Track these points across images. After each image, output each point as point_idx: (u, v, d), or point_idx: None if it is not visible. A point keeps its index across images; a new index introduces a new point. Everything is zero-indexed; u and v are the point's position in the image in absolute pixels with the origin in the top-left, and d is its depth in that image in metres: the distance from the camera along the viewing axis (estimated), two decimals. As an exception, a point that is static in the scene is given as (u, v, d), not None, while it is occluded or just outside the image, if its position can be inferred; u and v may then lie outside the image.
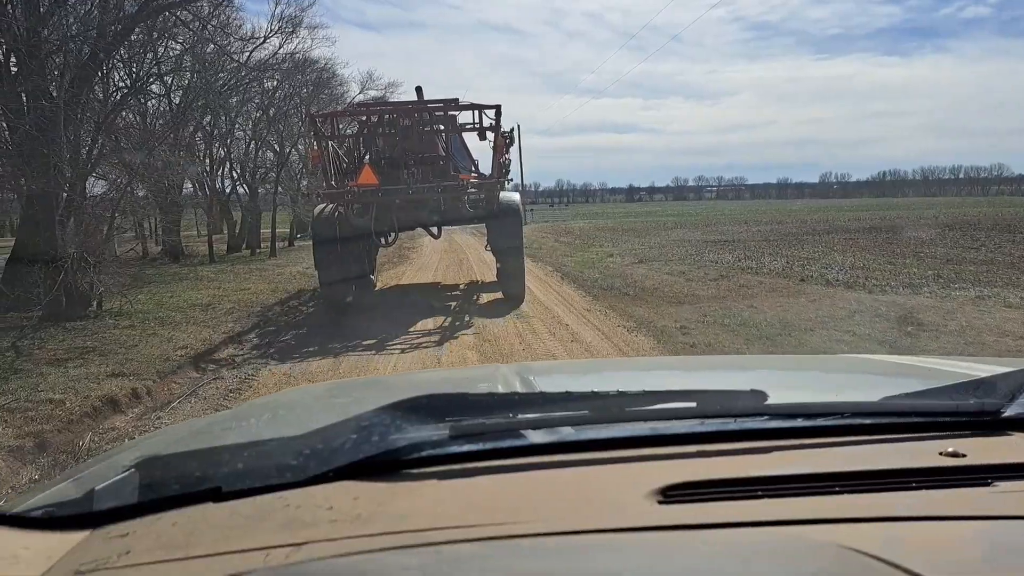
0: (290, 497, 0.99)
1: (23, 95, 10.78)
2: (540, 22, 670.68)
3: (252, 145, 29.44)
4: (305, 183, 40.47)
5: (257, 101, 29.27)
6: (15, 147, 11.01)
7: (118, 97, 17.67)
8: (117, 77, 18.70)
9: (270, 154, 31.15)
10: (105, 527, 0.97)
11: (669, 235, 36.20)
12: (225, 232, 32.35)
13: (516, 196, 13.43)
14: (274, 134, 28.98)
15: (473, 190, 12.31)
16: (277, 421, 1.61)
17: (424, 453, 1.08)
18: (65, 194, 12.66)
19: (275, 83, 28.42)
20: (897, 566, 0.74)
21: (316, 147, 11.94)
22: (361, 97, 44.78)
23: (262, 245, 34.00)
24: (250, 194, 30.11)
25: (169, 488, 1.03)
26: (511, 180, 15.12)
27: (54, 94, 12.23)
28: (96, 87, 15.18)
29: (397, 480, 1.05)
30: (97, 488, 1.06)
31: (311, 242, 12.94)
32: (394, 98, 40.96)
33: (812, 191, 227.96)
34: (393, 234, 12.73)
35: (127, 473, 1.08)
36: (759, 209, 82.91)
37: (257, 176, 30.33)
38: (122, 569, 0.84)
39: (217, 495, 1.01)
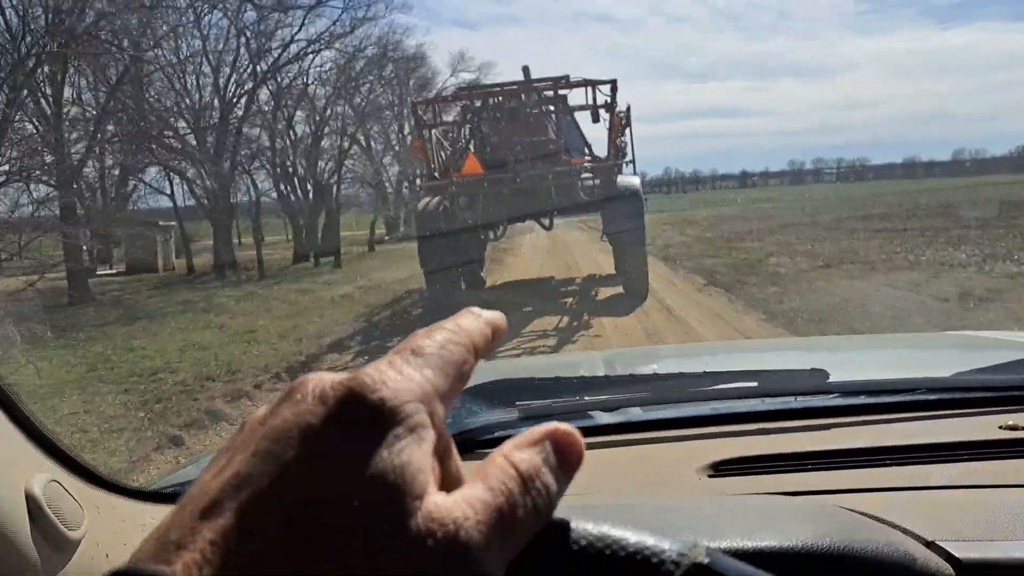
0: None
1: None
2: (641, 7, 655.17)
3: (316, 132, 24.59)
4: (395, 174, 35.75)
5: (324, 77, 24.60)
6: None
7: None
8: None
9: (349, 146, 26.33)
10: None
11: (814, 222, 29.93)
12: (291, 239, 27.85)
13: (636, 180, 12.13)
14: (339, 118, 24.09)
15: (587, 175, 11.55)
16: None
17: (496, 434, 1.14)
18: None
19: (342, 53, 23.60)
20: (901, 527, 0.75)
21: (418, 137, 11.44)
22: (453, 80, 40.30)
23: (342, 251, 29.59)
24: (314, 192, 25.27)
25: None
26: (630, 162, 12.98)
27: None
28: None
29: (469, 459, 0.94)
30: None
31: (416, 240, 12.07)
32: (489, 80, 36.65)
33: (942, 169, 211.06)
34: (502, 227, 12.07)
35: None
36: (895, 190, 73.90)
37: (327, 171, 25.48)
38: None
39: None
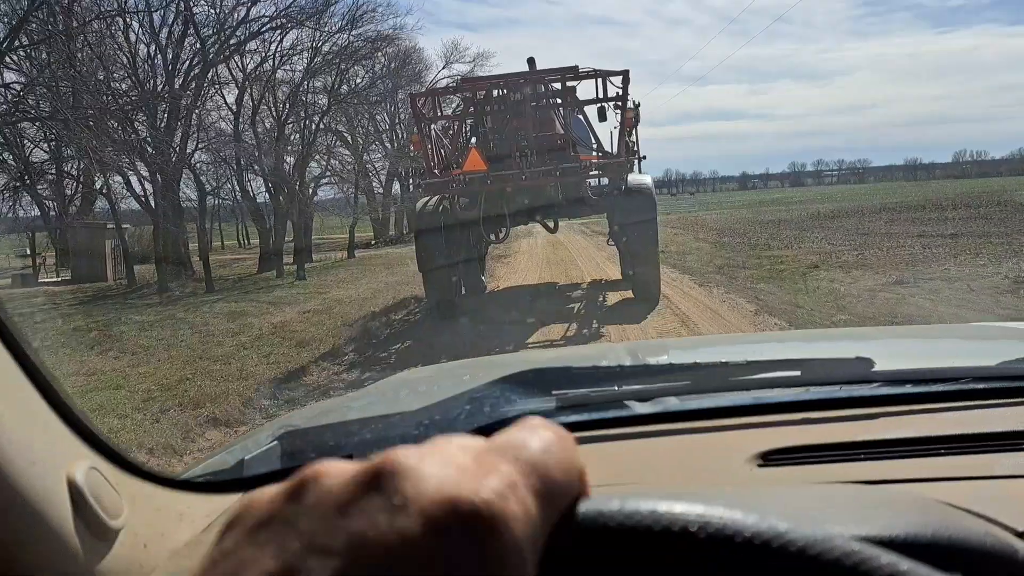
0: None
1: None
2: (641, 11, 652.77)
3: (281, 120, 21.38)
4: (383, 170, 32.91)
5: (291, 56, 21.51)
6: None
7: None
8: None
9: (314, 137, 23.14)
10: (253, 490, 0.91)
11: (842, 225, 27.03)
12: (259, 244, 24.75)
13: (647, 178, 11.68)
14: (305, 107, 20.93)
15: (596, 172, 10.99)
16: (406, 395, 1.66)
17: None
18: None
19: (310, 30, 20.50)
20: (985, 517, 0.73)
21: (416, 132, 10.79)
22: (446, 73, 37.69)
23: (314, 258, 26.43)
24: (283, 191, 22.09)
25: (307, 456, 1.10)
26: (644, 158, 12.43)
27: None
28: None
29: None
30: (247, 457, 1.13)
31: (407, 243, 10.63)
32: (486, 72, 34.33)
33: (943, 171, 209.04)
34: (504, 228, 11.29)
35: (272, 444, 1.15)
36: (901, 191, 70.73)
37: (297, 167, 22.32)
38: None
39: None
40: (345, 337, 9.22)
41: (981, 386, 1.16)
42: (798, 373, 1.24)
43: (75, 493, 0.73)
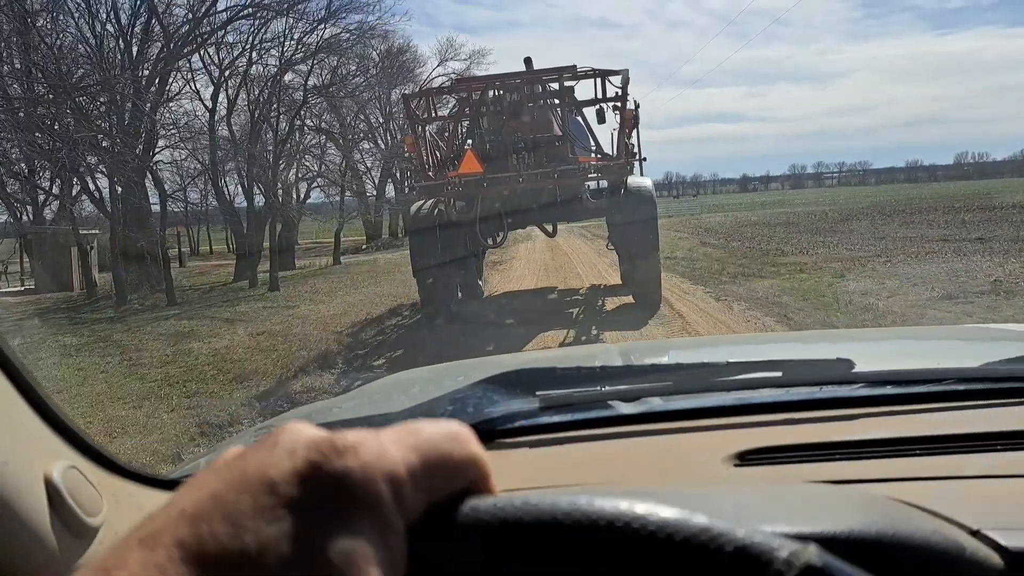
0: None
1: None
2: (640, 12, 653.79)
3: (255, 117, 19.82)
4: (374, 168, 31.58)
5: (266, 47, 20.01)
6: None
7: None
8: None
9: (289, 133, 21.56)
10: None
11: (854, 228, 25.84)
12: (235, 249, 23.23)
13: (648, 181, 11.20)
14: (279, 102, 19.36)
15: (595, 174, 10.73)
16: (397, 397, 1.64)
17: (516, 424, 1.12)
18: None
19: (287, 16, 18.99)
20: (943, 516, 0.73)
21: (410, 133, 10.55)
22: (441, 71, 36.38)
23: (297, 264, 24.91)
24: (249, 192, 20.48)
25: None
26: (645, 160, 11.70)
27: None
28: None
29: (491, 448, 1.06)
30: None
31: (399, 247, 9.21)
32: (482, 71, 33.14)
33: (945, 173, 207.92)
34: (501, 233, 11.19)
35: None
36: (904, 192, 69.46)
37: (274, 167, 20.74)
38: None
39: None
40: (295, 368, 7.64)
41: (963, 387, 1.15)
42: (779, 374, 1.24)
43: (52, 491, 0.72)
